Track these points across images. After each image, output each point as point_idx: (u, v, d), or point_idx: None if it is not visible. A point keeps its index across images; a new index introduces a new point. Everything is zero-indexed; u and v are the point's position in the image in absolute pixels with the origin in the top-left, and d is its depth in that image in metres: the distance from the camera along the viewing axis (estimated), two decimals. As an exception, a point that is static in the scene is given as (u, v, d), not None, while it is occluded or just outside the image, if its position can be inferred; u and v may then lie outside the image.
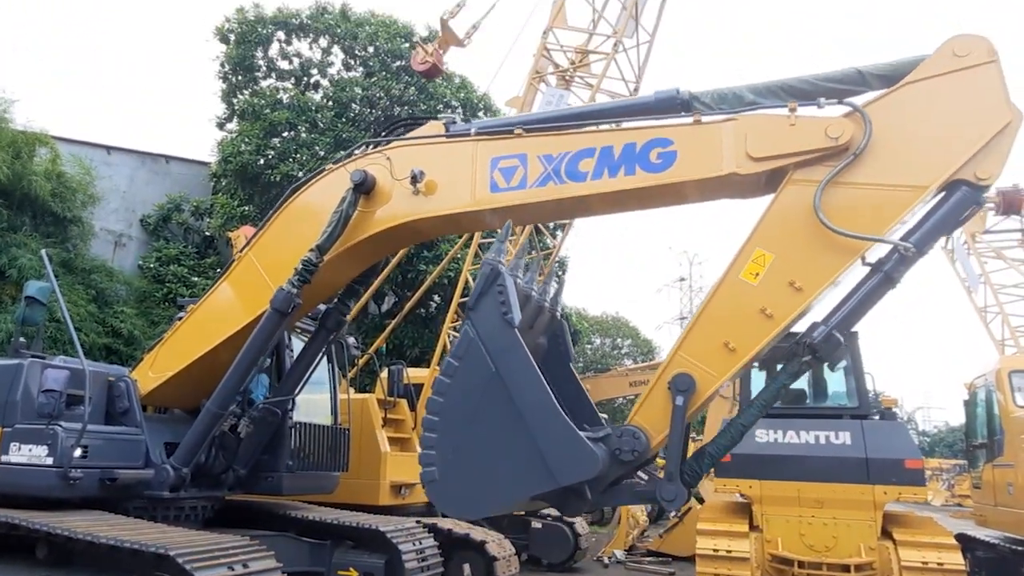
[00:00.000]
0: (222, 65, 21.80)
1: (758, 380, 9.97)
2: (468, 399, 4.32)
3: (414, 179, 5.53)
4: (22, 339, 6.36)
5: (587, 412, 5.28)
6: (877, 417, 9.05)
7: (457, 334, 14.33)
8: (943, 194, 4.42)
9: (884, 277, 4.43)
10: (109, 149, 20.55)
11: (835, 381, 10.00)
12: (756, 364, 9.98)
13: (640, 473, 5.04)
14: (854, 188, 4.43)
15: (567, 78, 14.06)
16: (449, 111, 6.31)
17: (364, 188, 5.77)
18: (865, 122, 4.44)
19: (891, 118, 4.46)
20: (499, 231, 4.80)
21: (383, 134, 6.49)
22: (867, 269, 4.58)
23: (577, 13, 14.31)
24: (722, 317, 4.55)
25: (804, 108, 4.70)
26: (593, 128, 5.33)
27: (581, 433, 4.23)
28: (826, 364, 9.86)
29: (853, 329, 9.84)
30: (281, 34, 21.83)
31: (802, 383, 10.01)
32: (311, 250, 5.87)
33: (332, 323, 7.15)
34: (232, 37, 21.49)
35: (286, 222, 6.41)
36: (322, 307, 7.26)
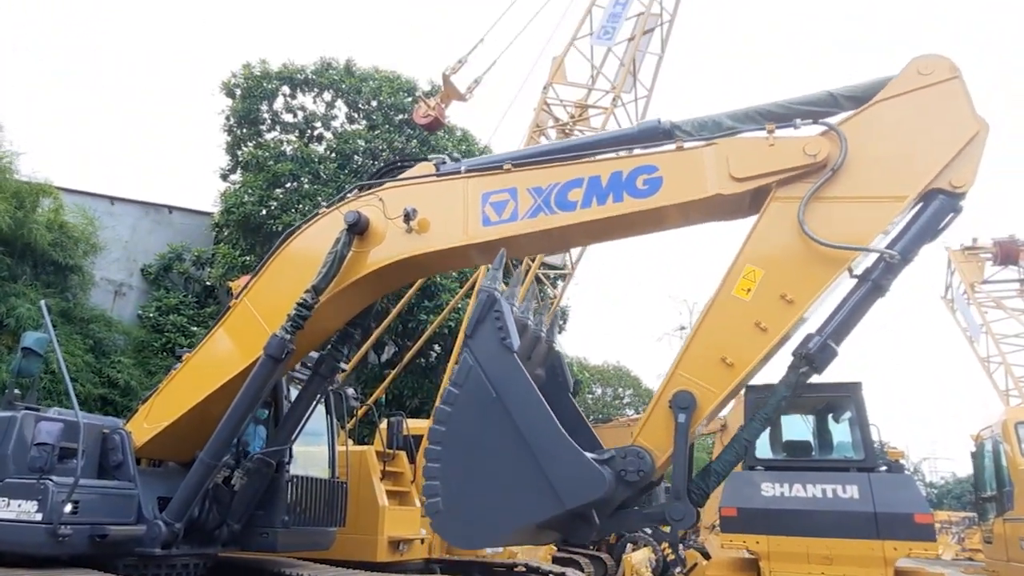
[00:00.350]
0: (227, 118, 22.14)
1: (765, 437, 9.88)
2: (470, 426, 4.28)
3: (407, 217, 5.60)
4: (16, 391, 6.27)
5: (588, 441, 5.17)
6: (884, 469, 8.91)
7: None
8: (921, 204, 4.59)
9: (873, 286, 4.55)
10: (113, 200, 20.74)
11: (840, 432, 9.87)
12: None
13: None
14: (836, 202, 4.60)
15: (567, 131, 14.29)
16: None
17: (358, 229, 5.83)
18: (841, 139, 4.64)
19: (865, 134, 4.67)
20: (495, 264, 4.88)
21: (375, 177, 6.60)
22: (855, 282, 4.69)
23: (576, 69, 14.62)
24: (718, 333, 4.64)
25: (781, 131, 4.87)
26: (580, 160, 5.44)
27: (586, 455, 4.21)
28: (830, 416, 9.88)
29: (856, 380, 9.73)
30: (286, 88, 22.24)
31: (806, 435, 9.89)
32: (307, 291, 5.88)
33: (326, 369, 7.08)
34: (238, 92, 21.87)
35: (281, 266, 6.44)
36: (315, 354, 7.20)
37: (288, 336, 5.90)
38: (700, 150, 5.02)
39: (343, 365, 7.49)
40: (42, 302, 6.64)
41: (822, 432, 9.78)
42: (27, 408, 6.06)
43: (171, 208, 22.61)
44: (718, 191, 4.86)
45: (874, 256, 4.55)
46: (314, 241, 6.19)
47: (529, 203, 5.34)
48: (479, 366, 4.37)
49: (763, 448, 9.61)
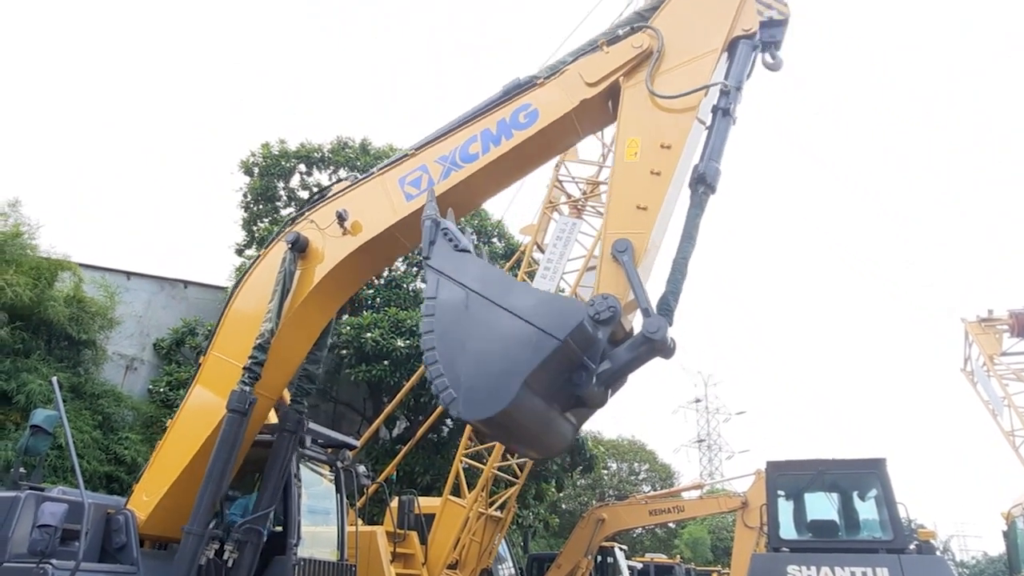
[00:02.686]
0: (245, 195, 22.62)
1: (785, 508, 9.59)
2: (455, 323, 4.77)
3: (340, 219, 6.39)
4: (22, 469, 6.16)
5: None
6: (914, 550, 8.57)
7: (472, 462, 13.90)
8: (729, 53, 5.96)
9: (722, 113, 5.70)
10: (129, 275, 20.94)
11: (866, 511, 9.56)
12: (783, 493, 9.63)
13: None
14: (670, 72, 5.92)
15: (579, 207, 14.45)
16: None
17: (299, 246, 6.51)
18: (656, 31, 6.03)
19: (671, 22, 6.09)
20: (428, 197, 5.66)
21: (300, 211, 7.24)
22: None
23: (588, 147, 14.89)
24: (627, 190, 5.66)
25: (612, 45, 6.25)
26: (468, 123, 6.45)
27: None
28: (855, 494, 9.56)
29: (880, 456, 9.53)
30: (303, 167, 22.76)
31: (831, 514, 9.57)
32: (266, 316, 6.28)
33: (292, 424, 7.03)
34: (256, 170, 22.43)
35: (239, 308, 6.85)
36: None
37: (247, 388, 6.14)
38: (556, 79, 6.27)
39: (357, 441, 7.34)
40: (54, 379, 6.59)
41: (848, 511, 9.48)
42: (31, 488, 5.94)
43: (186, 283, 22.82)
44: (582, 98, 6.12)
45: (715, 96, 5.77)
46: (264, 276, 6.73)
47: (440, 169, 6.33)
48: (443, 275, 4.95)
49: (787, 528, 9.30)
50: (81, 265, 17.17)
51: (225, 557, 6.34)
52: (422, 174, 6.37)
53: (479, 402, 4.50)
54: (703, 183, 5.57)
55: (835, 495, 9.75)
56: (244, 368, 6.19)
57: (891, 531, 8.60)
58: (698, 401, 61.52)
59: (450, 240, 5.10)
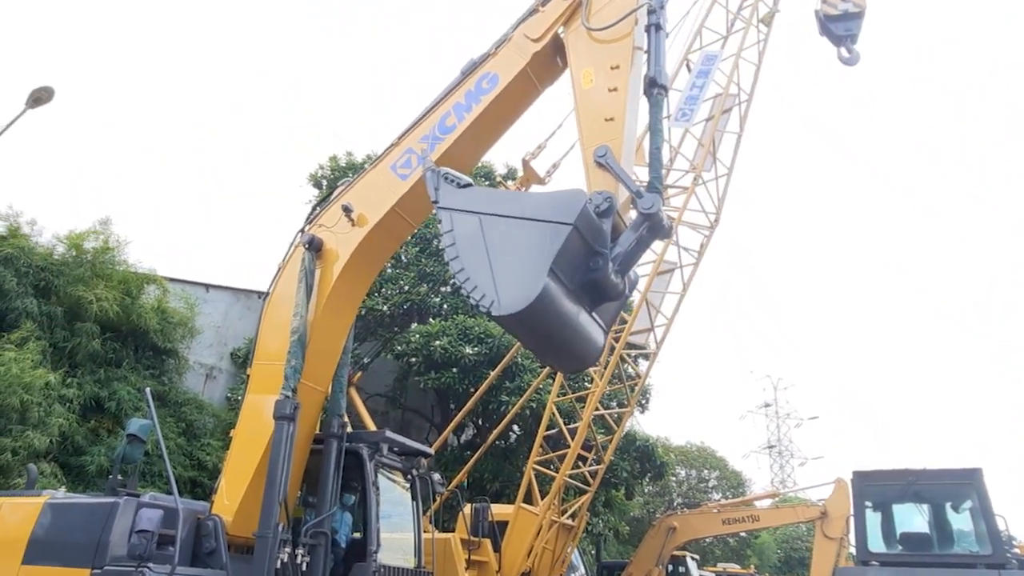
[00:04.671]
0: (314, 208, 23.19)
1: (873, 520, 9.23)
2: (476, 244, 5.17)
3: (347, 211, 7.11)
4: (119, 476, 6.43)
5: None
6: (1016, 566, 8.11)
7: (542, 469, 13.83)
8: None
9: (655, 29, 6.30)
10: (208, 287, 21.77)
11: (960, 523, 9.11)
12: (870, 504, 9.27)
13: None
14: (601, 11, 6.68)
15: (646, 210, 14.21)
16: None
17: (315, 246, 7.16)
18: None
19: None
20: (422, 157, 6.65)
21: (308, 220, 7.91)
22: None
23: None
24: (592, 110, 6.35)
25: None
26: (440, 103, 7.25)
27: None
28: (948, 505, 9.12)
29: (976, 466, 9.08)
30: (370, 177, 23.20)
31: (923, 526, 9.15)
32: (296, 307, 6.78)
33: (337, 427, 7.25)
34: (324, 182, 23.00)
35: (272, 318, 7.32)
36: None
37: (289, 394, 6.49)
38: (507, 45, 7.13)
39: (431, 449, 7.37)
40: (147, 390, 6.89)
41: (940, 523, 9.04)
42: (128, 494, 6.19)
43: (260, 294, 23.53)
44: (533, 52, 6.97)
45: (644, 20, 6.38)
46: (289, 283, 7.26)
47: (424, 146, 7.06)
48: (454, 209, 5.41)
49: (876, 540, 8.93)
50: (165, 278, 17.93)
51: (298, 561, 6.49)
52: (409, 155, 7.13)
53: (513, 297, 4.84)
54: (655, 85, 6.24)
55: (925, 506, 9.32)
56: (286, 368, 6.56)
57: (989, 545, 8.16)
58: (768, 406, 59.76)
59: (452, 181, 5.65)
